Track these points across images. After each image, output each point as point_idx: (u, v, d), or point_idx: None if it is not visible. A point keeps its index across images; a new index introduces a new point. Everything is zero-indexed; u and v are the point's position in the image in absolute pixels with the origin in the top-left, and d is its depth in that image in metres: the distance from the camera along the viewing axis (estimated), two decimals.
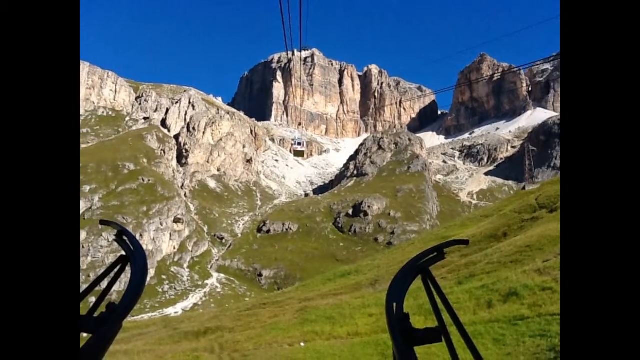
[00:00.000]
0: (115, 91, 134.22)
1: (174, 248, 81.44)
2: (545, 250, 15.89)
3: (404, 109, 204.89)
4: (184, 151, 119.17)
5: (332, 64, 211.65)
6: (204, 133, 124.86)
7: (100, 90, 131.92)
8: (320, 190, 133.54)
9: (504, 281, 13.19)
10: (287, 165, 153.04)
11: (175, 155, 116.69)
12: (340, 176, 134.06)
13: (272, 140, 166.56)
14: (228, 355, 12.75)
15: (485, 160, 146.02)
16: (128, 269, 0.90)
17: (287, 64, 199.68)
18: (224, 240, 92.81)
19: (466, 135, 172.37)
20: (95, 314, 0.79)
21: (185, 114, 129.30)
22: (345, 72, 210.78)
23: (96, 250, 68.33)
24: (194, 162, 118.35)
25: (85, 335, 0.76)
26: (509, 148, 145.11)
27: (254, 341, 13.93)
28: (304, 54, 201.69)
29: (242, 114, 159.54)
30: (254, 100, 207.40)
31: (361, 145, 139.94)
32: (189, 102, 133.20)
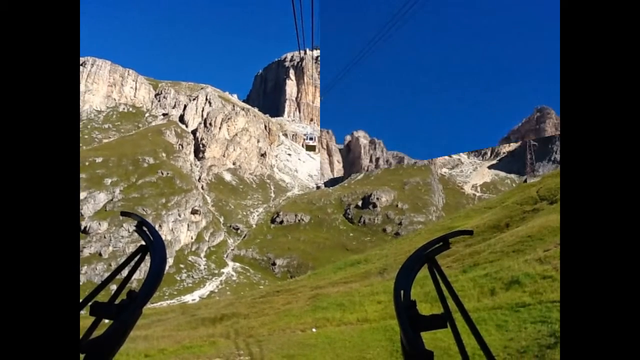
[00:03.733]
0: (136, 88, 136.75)
1: (192, 238, 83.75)
2: (546, 240, 15.97)
3: None
4: (201, 146, 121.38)
5: None
6: (220, 128, 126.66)
7: (121, 87, 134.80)
8: (331, 183, 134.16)
9: (507, 270, 13.33)
10: (299, 159, 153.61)
11: (192, 150, 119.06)
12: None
13: (285, 135, 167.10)
14: (243, 341, 12.91)
15: (489, 154, 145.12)
16: (148, 258, 0.92)
17: (300, 63, 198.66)
18: (239, 231, 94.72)
19: None
20: (116, 301, 0.80)
21: (202, 110, 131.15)
22: None
23: (117, 240, 71.03)
24: (211, 156, 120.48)
25: (106, 321, 0.78)
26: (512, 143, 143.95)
27: (268, 327, 14.18)
28: (316, 53, 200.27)
29: (256, 110, 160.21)
30: (267, 97, 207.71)
31: None
32: (206, 99, 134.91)
